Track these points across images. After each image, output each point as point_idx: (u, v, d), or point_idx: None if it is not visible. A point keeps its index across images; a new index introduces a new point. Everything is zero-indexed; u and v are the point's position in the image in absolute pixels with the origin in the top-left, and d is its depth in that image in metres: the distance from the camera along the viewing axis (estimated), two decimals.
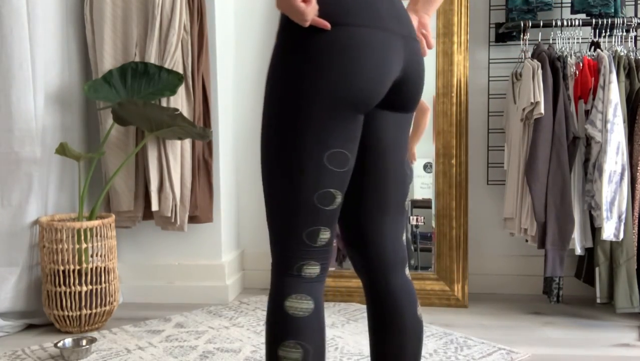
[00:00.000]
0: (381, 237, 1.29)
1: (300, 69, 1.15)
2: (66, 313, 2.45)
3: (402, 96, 1.26)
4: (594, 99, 2.50)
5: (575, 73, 2.56)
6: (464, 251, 2.78)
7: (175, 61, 2.67)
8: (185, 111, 2.70)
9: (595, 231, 2.54)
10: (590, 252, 2.63)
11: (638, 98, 2.50)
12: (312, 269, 1.19)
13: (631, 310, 2.47)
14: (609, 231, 2.41)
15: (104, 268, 2.52)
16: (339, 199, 1.20)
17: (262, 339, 2.35)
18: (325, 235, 1.20)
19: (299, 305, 1.17)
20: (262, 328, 2.49)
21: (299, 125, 1.15)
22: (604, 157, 2.41)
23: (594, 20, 2.61)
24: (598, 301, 2.53)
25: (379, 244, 1.29)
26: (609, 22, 2.59)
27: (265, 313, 2.60)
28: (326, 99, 1.14)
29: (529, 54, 2.64)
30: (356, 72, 1.14)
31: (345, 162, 1.19)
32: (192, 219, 2.80)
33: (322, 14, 1.14)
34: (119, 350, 2.27)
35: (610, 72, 2.44)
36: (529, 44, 2.67)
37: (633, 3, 2.78)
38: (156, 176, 2.69)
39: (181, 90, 2.69)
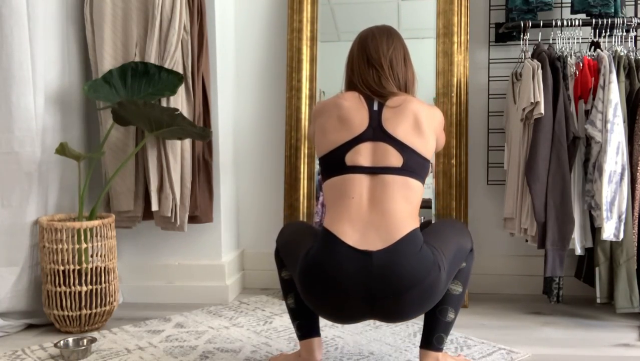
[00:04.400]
0: None
1: None
2: (66, 313, 2.45)
3: (386, 312, 1.72)
4: (594, 99, 2.50)
5: (575, 73, 2.56)
6: None
7: (175, 61, 2.67)
8: (185, 111, 2.70)
9: (595, 231, 2.54)
10: (590, 252, 2.62)
11: (638, 98, 2.50)
12: None
13: (631, 309, 2.46)
14: (609, 231, 2.41)
15: (104, 268, 2.52)
16: None
17: (262, 339, 2.36)
18: None
19: None
20: (262, 328, 2.49)
21: None
22: (604, 157, 2.41)
23: (594, 20, 2.60)
24: (598, 301, 2.53)
25: None
26: (609, 22, 2.59)
27: (265, 313, 2.69)
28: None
29: (529, 54, 2.64)
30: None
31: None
32: (192, 219, 2.80)
33: None
34: (119, 350, 2.27)
35: (610, 72, 2.44)
36: (529, 44, 2.67)
37: (633, 3, 2.78)
38: (156, 176, 2.69)
39: (181, 90, 2.69)
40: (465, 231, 1.91)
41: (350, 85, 1.91)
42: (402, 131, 1.78)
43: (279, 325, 2.52)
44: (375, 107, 1.81)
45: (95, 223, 2.48)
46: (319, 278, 1.70)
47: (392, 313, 1.72)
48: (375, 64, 1.85)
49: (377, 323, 2.51)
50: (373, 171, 1.76)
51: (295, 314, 1.94)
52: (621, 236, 2.43)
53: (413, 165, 1.78)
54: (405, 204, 1.74)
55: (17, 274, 2.47)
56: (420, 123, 1.80)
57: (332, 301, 1.72)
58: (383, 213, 1.72)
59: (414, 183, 1.78)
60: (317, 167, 2.91)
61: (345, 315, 1.76)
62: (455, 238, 1.84)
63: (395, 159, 1.76)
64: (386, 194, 1.74)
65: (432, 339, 1.84)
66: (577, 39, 2.65)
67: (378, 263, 1.65)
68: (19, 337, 2.44)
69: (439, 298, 1.76)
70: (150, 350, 2.26)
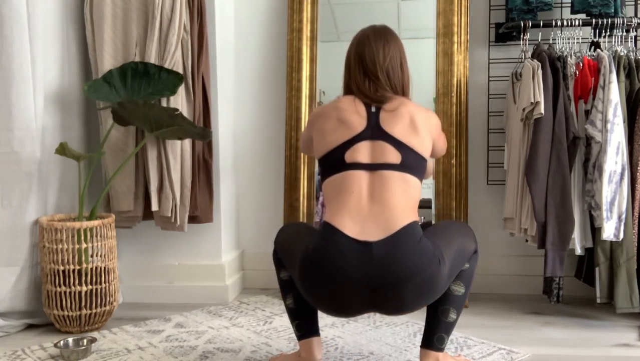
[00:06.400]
0: None
1: None
2: (66, 313, 2.45)
3: (387, 303, 1.73)
4: (594, 99, 2.50)
5: (575, 73, 2.56)
6: None
7: (175, 61, 2.67)
8: (185, 111, 2.70)
9: (595, 231, 2.54)
10: (590, 252, 2.63)
11: (638, 98, 2.50)
12: None
13: (631, 309, 2.46)
14: (609, 231, 2.41)
15: (104, 268, 2.52)
16: None
17: (262, 339, 2.36)
18: None
19: None
20: (262, 328, 2.49)
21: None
22: (604, 157, 2.41)
23: (594, 20, 2.61)
24: (598, 301, 2.53)
25: None
26: (609, 22, 2.59)
27: (265, 313, 2.68)
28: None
29: (529, 54, 2.64)
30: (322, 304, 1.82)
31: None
32: (192, 219, 2.80)
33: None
34: (119, 350, 2.27)
35: (610, 72, 2.44)
36: (529, 44, 2.67)
37: (633, 3, 2.78)
38: (156, 176, 2.69)
39: (181, 90, 2.69)
40: (470, 233, 1.91)
41: (348, 89, 1.96)
42: (399, 130, 1.82)
43: (279, 325, 2.52)
44: (373, 110, 1.86)
45: (95, 223, 2.48)
46: (320, 268, 1.72)
47: (392, 304, 1.72)
48: (371, 75, 1.89)
49: (377, 323, 2.51)
50: (372, 167, 1.80)
51: (294, 314, 1.95)
52: (621, 236, 2.43)
53: (411, 162, 1.82)
54: (404, 198, 1.78)
55: (17, 274, 2.47)
56: (416, 124, 1.84)
57: (333, 292, 1.72)
58: (382, 205, 1.75)
59: (412, 179, 1.82)
60: (317, 167, 2.91)
61: (345, 306, 1.76)
62: (458, 237, 1.84)
63: (393, 156, 1.80)
64: (385, 187, 1.77)
65: (433, 339, 1.84)
66: (577, 39, 2.65)
67: (378, 253, 1.68)
68: (19, 337, 2.44)
69: (439, 292, 1.76)
70: (150, 350, 2.26)
